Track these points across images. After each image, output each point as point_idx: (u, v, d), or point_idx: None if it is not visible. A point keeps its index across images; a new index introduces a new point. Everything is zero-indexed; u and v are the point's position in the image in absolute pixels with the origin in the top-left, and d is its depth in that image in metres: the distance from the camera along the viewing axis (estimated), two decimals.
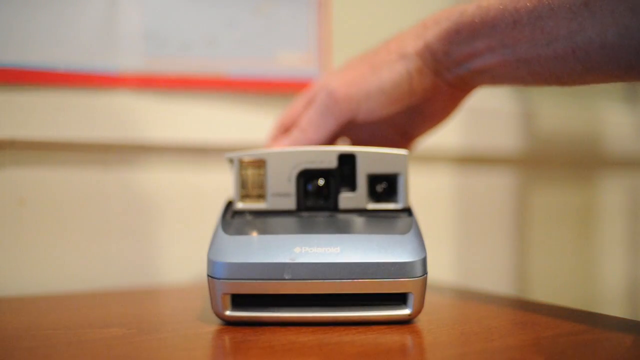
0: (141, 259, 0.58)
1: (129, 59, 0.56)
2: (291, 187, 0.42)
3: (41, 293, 0.52)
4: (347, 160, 0.42)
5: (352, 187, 0.42)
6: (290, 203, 0.42)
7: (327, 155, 0.42)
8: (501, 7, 0.38)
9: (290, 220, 0.41)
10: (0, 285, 0.52)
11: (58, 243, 0.55)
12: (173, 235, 0.60)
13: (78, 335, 0.36)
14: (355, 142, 0.53)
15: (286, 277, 0.36)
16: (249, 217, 0.42)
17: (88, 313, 0.44)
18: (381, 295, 0.37)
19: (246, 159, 0.42)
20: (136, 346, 0.34)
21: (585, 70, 0.37)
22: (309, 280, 0.36)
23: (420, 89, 0.43)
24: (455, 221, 0.77)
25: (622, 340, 0.35)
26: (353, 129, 0.50)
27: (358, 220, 0.41)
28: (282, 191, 0.42)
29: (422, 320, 0.38)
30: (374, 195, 0.43)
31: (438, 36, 0.42)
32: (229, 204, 0.44)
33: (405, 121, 0.49)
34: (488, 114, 0.77)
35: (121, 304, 0.48)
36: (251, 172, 0.43)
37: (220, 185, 0.57)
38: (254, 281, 0.36)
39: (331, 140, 0.52)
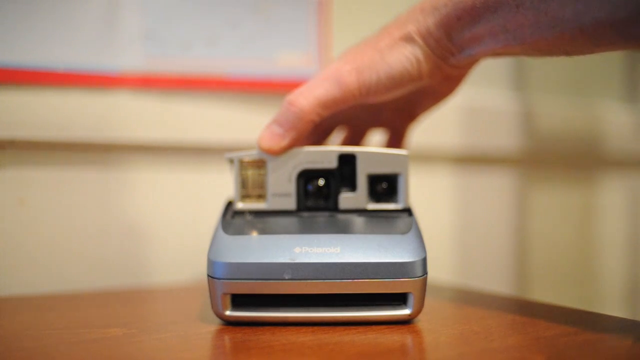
0: (141, 258, 0.58)
1: (129, 59, 0.56)
2: (291, 187, 0.42)
3: (41, 293, 0.52)
4: (347, 161, 0.42)
5: (352, 187, 0.42)
6: (290, 203, 0.42)
7: (327, 156, 0.42)
8: None
9: (290, 221, 0.41)
10: (0, 285, 0.52)
11: (58, 243, 0.55)
12: (173, 235, 0.60)
13: (78, 335, 0.36)
14: (356, 128, 0.53)
15: (286, 277, 0.36)
16: (249, 217, 0.42)
17: (88, 313, 0.44)
18: (381, 295, 0.37)
19: (246, 159, 0.42)
20: (136, 346, 0.34)
21: (595, 45, 0.36)
22: (309, 280, 0.36)
23: (427, 73, 0.43)
24: (455, 221, 0.77)
25: (622, 340, 0.35)
26: (353, 114, 0.50)
27: (358, 221, 0.41)
28: (282, 191, 0.42)
29: (422, 320, 0.38)
30: (374, 196, 0.43)
31: (439, 23, 0.41)
32: (229, 204, 0.44)
33: (408, 103, 0.48)
34: (488, 114, 0.77)
35: (121, 304, 0.48)
36: (251, 172, 0.43)
37: (220, 185, 0.57)
38: (254, 281, 0.36)
39: (327, 127, 0.52)
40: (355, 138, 0.53)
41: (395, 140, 0.52)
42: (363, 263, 0.36)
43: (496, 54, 0.41)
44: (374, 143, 0.57)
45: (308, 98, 0.41)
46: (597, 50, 0.37)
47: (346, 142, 0.53)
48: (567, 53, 0.38)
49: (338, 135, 0.54)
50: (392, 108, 0.50)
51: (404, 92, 0.44)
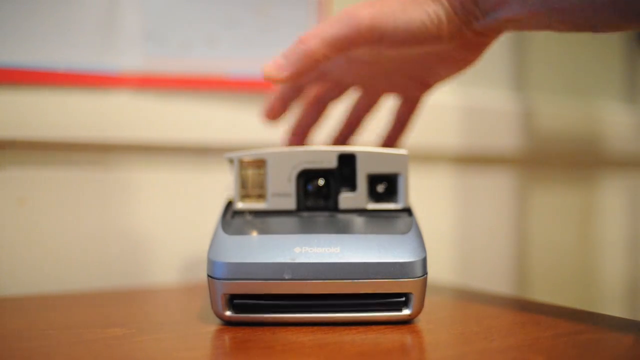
0: (141, 258, 0.58)
1: (129, 59, 0.56)
2: (291, 187, 0.42)
3: (41, 293, 0.52)
4: (347, 160, 0.42)
5: (352, 187, 0.42)
6: (290, 203, 0.42)
7: (327, 155, 0.42)
8: None
9: (290, 220, 0.41)
10: (0, 285, 0.52)
11: (58, 243, 0.55)
12: (173, 235, 0.60)
13: (78, 335, 0.36)
14: (370, 91, 0.52)
15: (286, 277, 0.36)
16: (249, 217, 0.42)
17: (88, 313, 0.44)
18: (381, 295, 0.37)
19: (246, 159, 0.42)
20: (136, 346, 0.34)
21: (622, 19, 0.36)
22: (309, 280, 0.36)
23: (447, 36, 0.42)
24: (455, 221, 0.77)
25: (622, 340, 0.35)
26: (367, 74, 0.49)
27: (358, 220, 0.41)
28: (282, 191, 0.42)
29: (422, 320, 0.38)
30: (374, 195, 0.43)
31: None
32: (229, 204, 0.44)
33: (424, 69, 0.47)
34: (488, 114, 0.77)
35: (121, 304, 0.48)
36: (251, 172, 0.43)
37: (220, 185, 0.57)
38: (254, 281, 0.36)
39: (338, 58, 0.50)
40: (368, 101, 0.53)
41: (407, 108, 0.51)
42: (363, 263, 0.36)
43: (521, 22, 0.40)
44: (373, 143, 0.57)
45: (317, 37, 0.41)
46: (624, 26, 0.37)
47: (359, 103, 0.52)
48: (595, 28, 0.38)
49: (352, 97, 0.53)
50: (407, 74, 0.48)
51: (419, 52, 0.43)
